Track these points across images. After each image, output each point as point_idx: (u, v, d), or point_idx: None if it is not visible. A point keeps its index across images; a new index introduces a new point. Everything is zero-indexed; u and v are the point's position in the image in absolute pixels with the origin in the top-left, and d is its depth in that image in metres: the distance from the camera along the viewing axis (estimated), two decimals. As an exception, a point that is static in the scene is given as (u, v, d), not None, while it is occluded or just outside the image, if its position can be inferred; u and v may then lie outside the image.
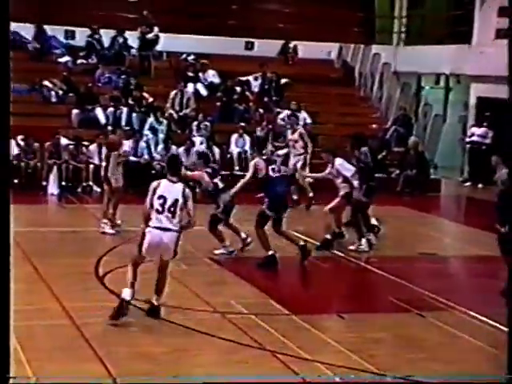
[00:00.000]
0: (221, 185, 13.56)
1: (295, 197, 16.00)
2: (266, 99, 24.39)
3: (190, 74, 24.23)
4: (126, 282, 11.44)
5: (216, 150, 21.44)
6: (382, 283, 12.78)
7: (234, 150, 21.85)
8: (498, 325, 10.27)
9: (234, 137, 22.00)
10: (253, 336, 9.50)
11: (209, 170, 13.82)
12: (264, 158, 13.65)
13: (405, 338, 9.97)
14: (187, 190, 9.84)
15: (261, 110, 23.57)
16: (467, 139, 24.09)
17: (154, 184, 9.85)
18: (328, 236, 14.29)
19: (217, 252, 13.45)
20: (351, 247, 14.28)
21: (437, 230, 17.20)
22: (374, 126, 24.35)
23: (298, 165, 18.43)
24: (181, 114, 22.80)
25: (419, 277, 13.28)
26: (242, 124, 22.19)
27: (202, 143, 21.39)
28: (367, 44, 27.43)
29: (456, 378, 8.28)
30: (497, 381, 5.19)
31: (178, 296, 10.96)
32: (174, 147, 21.20)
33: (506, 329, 10.09)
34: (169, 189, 9.75)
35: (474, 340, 9.82)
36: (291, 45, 26.69)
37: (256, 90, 24.84)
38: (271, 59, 25.96)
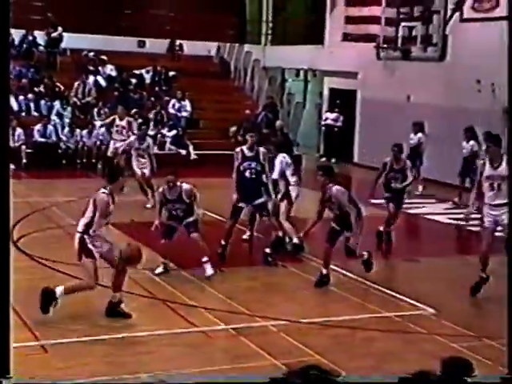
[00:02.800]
0: None
1: None
2: (156, 89, 24.19)
3: (91, 67, 23.75)
4: (40, 246, 11.22)
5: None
6: (252, 241, 12.88)
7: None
8: (344, 271, 10.57)
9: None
10: (147, 288, 9.49)
11: None
12: None
13: (270, 285, 10.17)
14: (100, 195, 8.37)
15: (152, 99, 23.36)
16: (322, 122, 24.49)
17: None
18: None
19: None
20: None
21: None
22: (246, 111, 24.41)
23: (120, 150, 16.99)
24: (83, 101, 22.38)
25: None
26: (136, 110, 21.97)
27: (101, 126, 21.04)
28: (240, 43, 27.44)
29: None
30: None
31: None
32: (77, 130, 20.84)
33: (349, 274, 10.47)
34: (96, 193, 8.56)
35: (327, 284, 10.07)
36: (177, 43, 26.52)
37: (148, 81, 24.61)
38: (161, 55, 25.74)
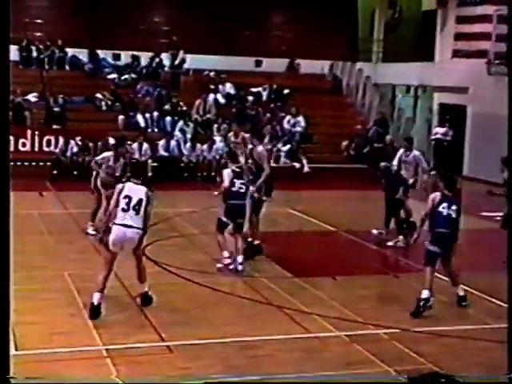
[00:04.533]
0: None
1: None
2: (272, 106, 24.36)
3: (211, 86, 24.21)
4: (165, 253, 11.46)
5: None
6: (365, 251, 12.76)
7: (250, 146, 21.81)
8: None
9: (247, 136, 21.95)
10: (263, 294, 9.53)
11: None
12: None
13: (384, 294, 10.00)
14: (149, 192, 8.73)
15: (268, 115, 23.55)
16: (432, 137, 23.99)
17: (119, 186, 8.79)
18: None
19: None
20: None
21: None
22: (358, 126, 24.25)
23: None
24: (204, 118, 22.82)
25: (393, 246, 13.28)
26: (252, 126, 22.12)
27: (221, 141, 21.39)
28: (353, 61, 27.30)
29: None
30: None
31: (202, 263, 10.99)
32: (198, 145, 21.22)
33: (461, 285, 10.17)
34: (133, 189, 8.65)
35: (438, 294, 9.81)
36: (296, 62, 26.73)
37: (264, 98, 24.84)
38: (276, 74, 25.87)
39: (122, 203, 8.53)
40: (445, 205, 9.07)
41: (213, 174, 20.94)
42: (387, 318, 8.70)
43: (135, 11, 25.78)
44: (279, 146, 22.29)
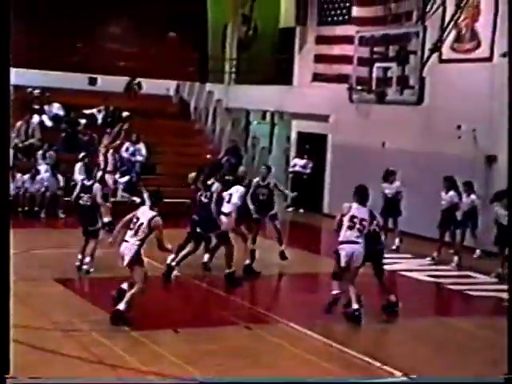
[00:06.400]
0: None
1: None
2: (108, 130, 24.23)
3: (36, 106, 23.83)
4: None
5: (60, 178, 21.17)
6: (214, 299, 12.94)
7: (78, 177, 21.53)
8: (314, 334, 10.66)
9: (78, 165, 21.68)
10: (94, 352, 9.44)
11: None
12: None
13: (233, 348, 10.13)
14: (156, 219, 10.83)
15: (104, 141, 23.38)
16: (290, 169, 24.69)
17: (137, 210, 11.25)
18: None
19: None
20: None
21: (263, 250, 16.93)
22: (208, 156, 24.59)
23: None
24: (26, 143, 22.42)
25: (248, 293, 13.56)
26: (84, 153, 21.92)
27: (46, 171, 21.05)
28: (202, 82, 27.70)
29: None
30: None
31: (23, 316, 10.73)
32: (19, 175, 20.76)
33: (320, 337, 10.58)
34: (143, 212, 11.04)
35: (293, 348, 10.12)
36: (136, 81, 26.70)
37: (99, 122, 24.68)
38: (114, 94, 25.79)
39: (132, 224, 10.93)
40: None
41: (36, 208, 20.58)
42: (233, 375, 8.86)
43: None
44: (117, 177, 22.16)
